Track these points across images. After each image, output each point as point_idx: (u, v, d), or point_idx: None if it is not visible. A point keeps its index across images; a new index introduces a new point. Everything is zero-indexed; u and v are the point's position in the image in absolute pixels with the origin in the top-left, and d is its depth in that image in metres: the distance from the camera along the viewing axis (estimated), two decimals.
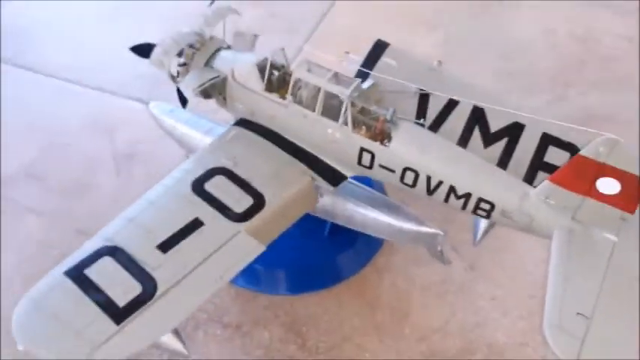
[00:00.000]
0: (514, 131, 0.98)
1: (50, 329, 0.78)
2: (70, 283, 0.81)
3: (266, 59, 1.01)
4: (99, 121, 1.52)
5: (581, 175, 0.84)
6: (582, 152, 0.83)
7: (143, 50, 1.09)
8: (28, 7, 1.92)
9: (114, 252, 0.84)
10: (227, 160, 0.98)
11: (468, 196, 0.92)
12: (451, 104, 1.00)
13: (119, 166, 1.42)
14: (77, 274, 0.81)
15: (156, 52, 1.06)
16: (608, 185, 0.84)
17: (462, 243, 1.27)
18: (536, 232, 0.92)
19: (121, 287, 0.80)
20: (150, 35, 1.77)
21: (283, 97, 0.99)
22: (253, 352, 1.12)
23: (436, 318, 1.16)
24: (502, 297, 1.20)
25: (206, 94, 1.06)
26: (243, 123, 1.06)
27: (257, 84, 1.01)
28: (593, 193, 0.85)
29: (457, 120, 1.00)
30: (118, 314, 0.78)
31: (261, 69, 1.01)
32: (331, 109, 0.96)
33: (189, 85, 1.02)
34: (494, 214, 0.92)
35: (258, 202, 0.93)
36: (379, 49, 1.07)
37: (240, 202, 0.92)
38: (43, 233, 1.28)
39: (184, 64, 1.06)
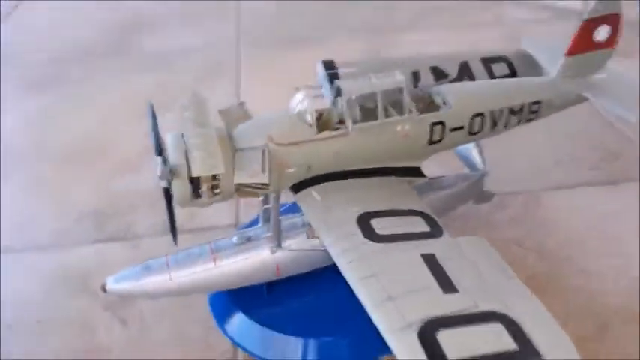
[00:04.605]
0: (466, 69, 1.11)
1: None
2: None
3: (304, 106, 0.91)
4: (63, 279, 1.19)
5: (586, 35, 1.03)
6: (588, 16, 1.01)
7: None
8: None
9: (433, 326, 0.68)
10: (354, 208, 0.86)
11: (522, 107, 1.03)
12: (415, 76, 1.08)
13: (119, 314, 1.11)
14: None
15: (199, 160, 0.83)
16: (603, 32, 1.04)
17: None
18: (569, 104, 1.09)
19: (491, 340, 0.67)
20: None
21: (337, 129, 0.91)
22: None
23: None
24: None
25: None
26: (303, 185, 0.92)
27: (306, 131, 0.91)
28: (593, 45, 1.05)
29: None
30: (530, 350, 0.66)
31: (301, 117, 0.91)
32: (389, 108, 0.94)
33: (251, 172, 0.86)
34: (542, 109, 1.05)
35: (425, 216, 0.86)
36: (329, 66, 1.02)
37: (419, 224, 0.84)
38: None
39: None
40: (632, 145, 1.51)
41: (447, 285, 0.73)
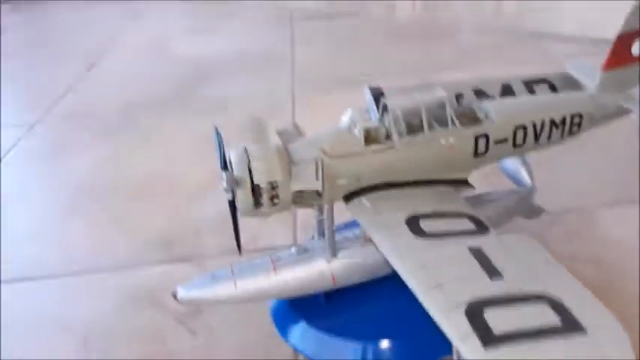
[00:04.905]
0: (508, 90, 1.15)
1: None
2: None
3: (351, 120, 1.00)
4: (135, 297, 1.28)
5: (622, 49, 1.07)
6: (622, 30, 1.04)
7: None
8: None
9: (479, 305, 0.72)
10: (402, 211, 0.92)
11: (563, 120, 1.06)
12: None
13: (190, 326, 1.18)
14: (492, 339, 0.68)
15: (260, 169, 0.91)
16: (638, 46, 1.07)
17: None
18: (611, 117, 1.12)
19: (535, 317, 0.71)
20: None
21: (385, 142, 0.98)
22: None
23: None
24: None
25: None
26: (354, 195, 0.99)
27: (356, 144, 0.98)
28: (631, 59, 1.08)
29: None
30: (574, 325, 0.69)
31: (351, 132, 0.99)
32: (432, 122, 1.00)
33: (306, 180, 0.94)
34: (584, 123, 1.08)
35: (472, 217, 0.91)
36: (375, 92, 1.08)
37: (466, 224, 0.89)
38: None
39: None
40: None
41: (493, 273, 0.77)
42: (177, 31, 3.32)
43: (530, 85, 1.18)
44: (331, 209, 1.04)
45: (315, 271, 1.07)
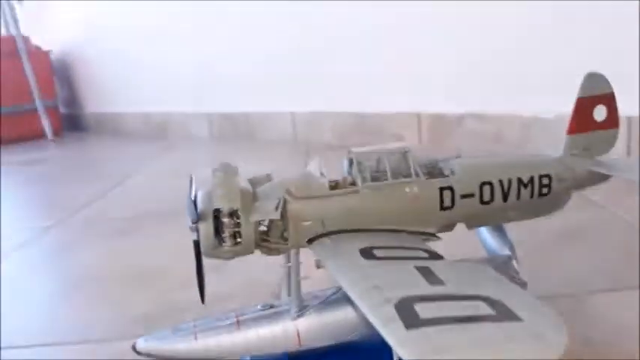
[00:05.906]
0: None
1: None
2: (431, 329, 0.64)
3: (317, 164, 1.04)
4: None
5: (584, 114, 1.10)
6: (579, 95, 1.10)
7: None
8: None
9: (411, 300, 0.71)
10: (359, 243, 0.91)
11: (531, 180, 1.06)
12: None
13: None
14: (416, 322, 0.66)
15: (220, 195, 0.92)
16: (600, 113, 1.10)
17: None
18: (582, 182, 1.12)
19: (469, 309, 0.68)
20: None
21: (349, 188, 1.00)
22: None
23: None
24: None
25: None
26: (319, 237, 0.98)
27: (321, 188, 1.00)
28: (595, 125, 1.11)
29: None
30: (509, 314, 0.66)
31: (318, 177, 1.02)
32: (396, 172, 1.02)
33: (265, 211, 0.95)
34: (553, 184, 1.08)
35: (428, 251, 0.90)
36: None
37: (420, 253, 0.88)
38: None
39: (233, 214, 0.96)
40: None
41: (435, 282, 0.75)
42: (199, 162, 3.53)
43: None
44: (297, 256, 1.02)
45: (279, 329, 1.03)
